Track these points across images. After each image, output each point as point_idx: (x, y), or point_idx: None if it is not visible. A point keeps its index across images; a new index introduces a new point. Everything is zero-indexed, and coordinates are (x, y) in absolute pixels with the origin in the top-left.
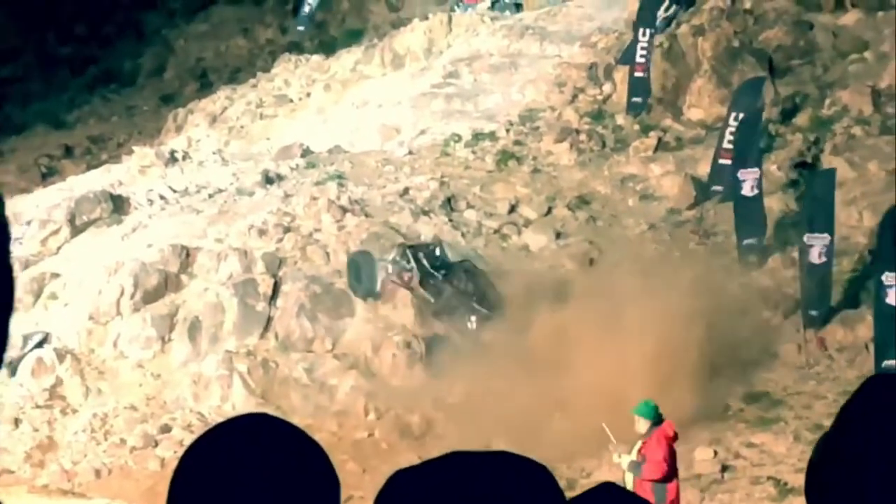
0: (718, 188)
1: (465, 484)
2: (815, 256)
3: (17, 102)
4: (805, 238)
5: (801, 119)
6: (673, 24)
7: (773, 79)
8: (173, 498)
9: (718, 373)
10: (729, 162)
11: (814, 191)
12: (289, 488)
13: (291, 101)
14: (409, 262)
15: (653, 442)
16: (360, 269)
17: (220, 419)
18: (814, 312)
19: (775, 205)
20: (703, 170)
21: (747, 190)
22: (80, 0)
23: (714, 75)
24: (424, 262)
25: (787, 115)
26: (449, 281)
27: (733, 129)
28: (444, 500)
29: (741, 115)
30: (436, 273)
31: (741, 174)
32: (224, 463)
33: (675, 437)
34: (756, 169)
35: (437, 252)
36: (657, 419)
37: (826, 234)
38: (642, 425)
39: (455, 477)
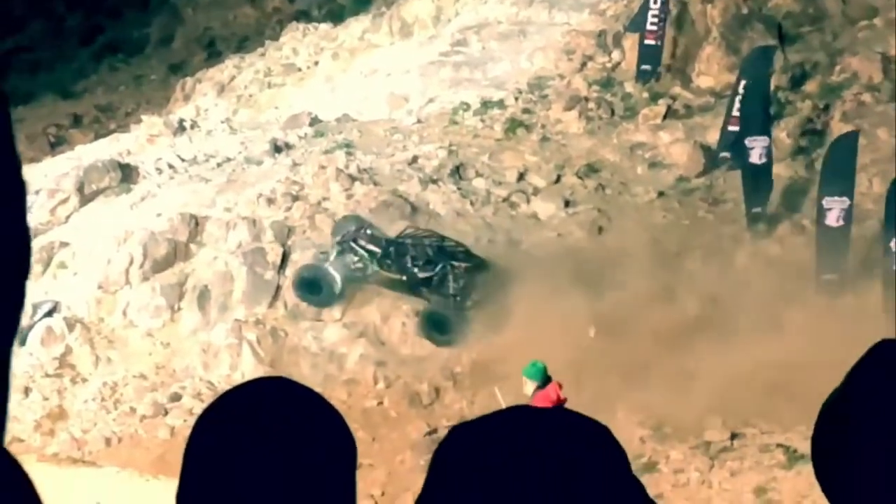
0: (727, 155)
1: (525, 438)
2: (833, 220)
3: (24, 72)
4: (823, 202)
5: (811, 86)
6: None
7: (782, 46)
8: (190, 457)
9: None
10: (737, 129)
11: (835, 154)
12: (306, 450)
13: (299, 69)
14: (354, 254)
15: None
16: (312, 283)
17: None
18: (829, 276)
19: (784, 172)
20: (713, 137)
21: (755, 158)
22: None
23: (723, 42)
24: (370, 246)
25: (797, 82)
26: (407, 252)
27: (742, 96)
28: (505, 453)
29: (749, 82)
30: (388, 250)
31: (748, 142)
32: (242, 425)
33: (561, 400)
34: (764, 137)
35: (370, 231)
36: (543, 381)
37: (846, 198)
38: (529, 387)
39: (515, 431)
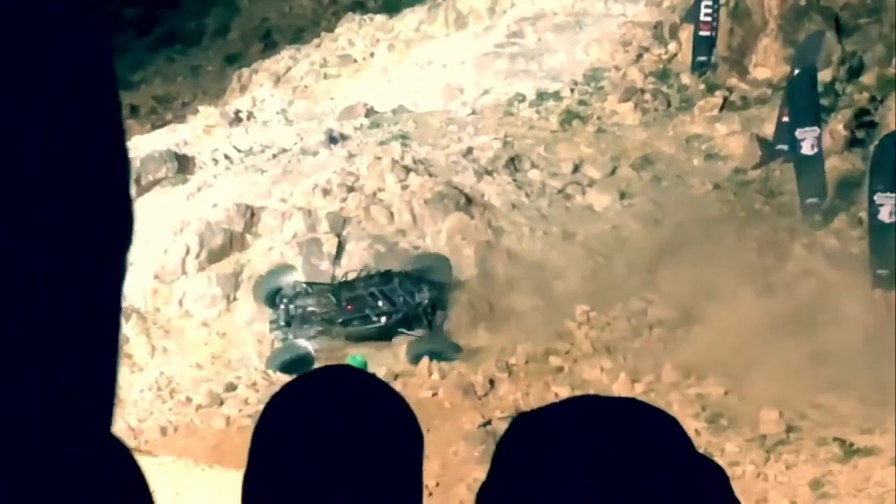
0: (783, 147)
1: (591, 428)
2: (886, 215)
3: None
4: (875, 197)
5: (868, 78)
6: None
7: (840, 37)
8: (257, 444)
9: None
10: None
11: (885, 150)
12: (374, 438)
13: (355, 60)
14: (309, 321)
15: None
16: (290, 364)
17: (285, 378)
18: (882, 272)
19: (840, 164)
20: (769, 129)
21: (807, 149)
22: None
23: (780, 34)
24: (320, 308)
25: (854, 73)
26: (364, 303)
27: (791, 86)
28: (569, 442)
29: (798, 71)
30: (341, 305)
31: (799, 133)
32: (309, 412)
33: None
34: (815, 127)
35: (306, 286)
36: None
37: None
38: None
39: (581, 420)
